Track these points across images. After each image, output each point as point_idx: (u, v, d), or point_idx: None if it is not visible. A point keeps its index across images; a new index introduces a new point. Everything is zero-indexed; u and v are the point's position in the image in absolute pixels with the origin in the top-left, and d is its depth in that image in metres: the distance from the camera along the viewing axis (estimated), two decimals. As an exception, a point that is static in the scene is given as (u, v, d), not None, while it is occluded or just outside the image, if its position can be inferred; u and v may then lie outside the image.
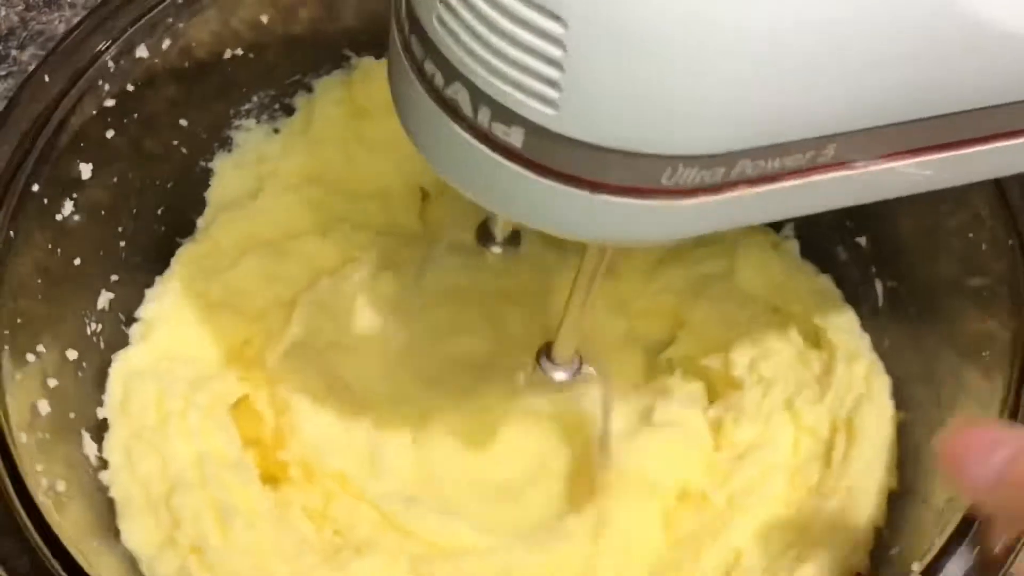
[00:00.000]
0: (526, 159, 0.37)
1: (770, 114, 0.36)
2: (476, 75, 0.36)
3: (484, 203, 0.40)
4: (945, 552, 0.46)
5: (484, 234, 0.55)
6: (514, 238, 0.56)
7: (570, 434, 0.61)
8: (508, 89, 0.35)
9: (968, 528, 0.46)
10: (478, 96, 0.36)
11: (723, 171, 0.37)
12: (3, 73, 0.70)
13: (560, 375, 0.54)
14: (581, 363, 0.54)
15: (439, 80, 0.37)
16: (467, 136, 0.38)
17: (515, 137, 0.37)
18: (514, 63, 0.35)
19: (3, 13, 0.71)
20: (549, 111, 0.35)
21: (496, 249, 0.55)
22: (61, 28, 0.72)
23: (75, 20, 0.69)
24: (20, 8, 0.71)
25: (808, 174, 0.39)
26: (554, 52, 0.34)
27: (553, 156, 0.37)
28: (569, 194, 0.38)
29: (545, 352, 0.53)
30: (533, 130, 0.36)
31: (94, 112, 0.56)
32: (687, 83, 0.34)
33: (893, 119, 0.37)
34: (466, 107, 0.37)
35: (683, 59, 0.34)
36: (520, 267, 0.61)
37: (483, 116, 0.37)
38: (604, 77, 0.34)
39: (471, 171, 0.39)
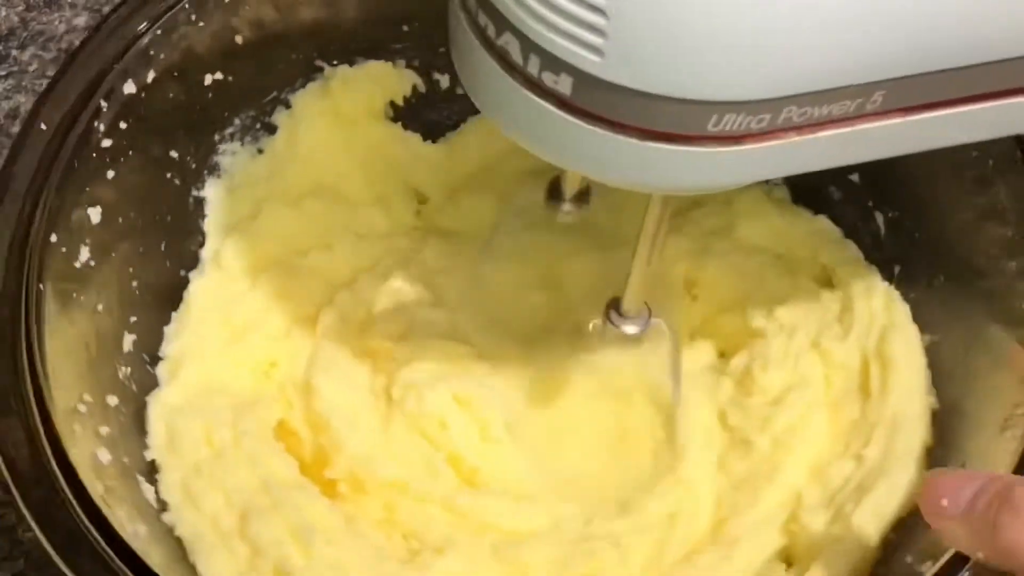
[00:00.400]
0: (575, 107, 0.38)
1: (813, 60, 0.36)
2: (524, 24, 0.37)
3: (539, 152, 0.41)
4: None
5: (554, 193, 0.55)
6: (583, 196, 0.56)
7: (645, 391, 0.61)
8: (555, 37, 0.36)
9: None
10: (527, 45, 0.37)
11: (769, 118, 0.38)
12: (3, 73, 0.70)
13: (631, 328, 0.54)
14: (650, 315, 0.54)
15: (492, 31, 0.38)
16: (519, 86, 0.39)
17: (564, 85, 0.38)
18: (560, 11, 0.36)
19: (3, 13, 0.71)
20: (595, 58, 0.36)
21: (566, 207, 0.55)
22: (61, 28, 0.71)
23: (75, 20, 0.70)
24: (20, 8, 0.71)
25: (854, 122, 0.39)
26: None
27: (601, 103, 0.38)
28: (618, 141, 0.39)
29: (614, 307, 0.54)
30: (581, 78, 0.37)
31: (94, 155, 0.55)
32: (729, 28, 0.35)
33: (942, 65, 0.38)
34: (517, 57, 0.38)
35: (725, 3, 0.34)
36: (589, 225, 0.61)
37: (533, 65, 0.38)
38: (647, 23, 0.35)
39: (525, 120, 0.40)
